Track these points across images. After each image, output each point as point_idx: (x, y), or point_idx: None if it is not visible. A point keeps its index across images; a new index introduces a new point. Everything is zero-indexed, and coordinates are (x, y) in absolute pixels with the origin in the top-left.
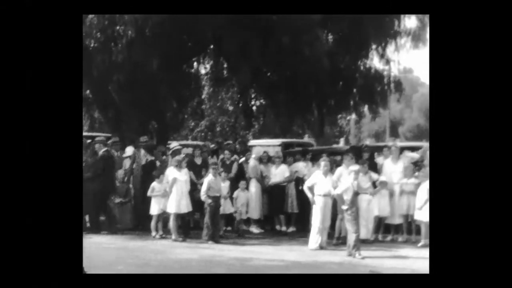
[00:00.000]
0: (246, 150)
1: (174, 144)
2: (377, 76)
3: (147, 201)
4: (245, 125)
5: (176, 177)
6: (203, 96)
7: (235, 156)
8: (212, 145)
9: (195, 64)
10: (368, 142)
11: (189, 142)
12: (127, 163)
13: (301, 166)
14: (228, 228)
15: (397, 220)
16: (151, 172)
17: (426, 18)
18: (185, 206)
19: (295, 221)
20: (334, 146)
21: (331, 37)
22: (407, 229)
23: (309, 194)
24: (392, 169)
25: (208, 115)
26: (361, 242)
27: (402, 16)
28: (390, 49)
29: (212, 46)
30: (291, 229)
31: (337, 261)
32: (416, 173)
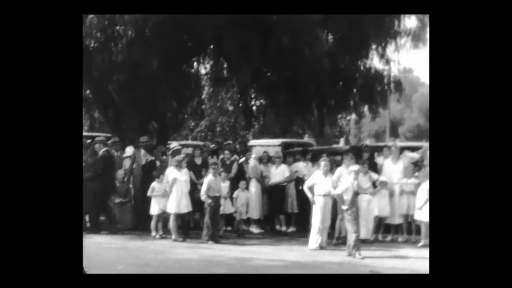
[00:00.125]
0: (246, 150)
1: (174, 144)
2: (377, 76)
3: (147, 201)
4: (245, 125)
5: (176, 177)
6: (203, 96)
7: (235, 156)
8: (212, 145)
9: (195, 64)
10: (368, 142)
11: (189, 142)
12: (127, 163)
13: (301, 166)
14: (228, 228)
15: (397, 220)
16: (151, 172)
17: (426, 18)
18: (185, 206)
19: (295, 221)
20: (334, 146)
21: (331, 37)
22: (407, 229)
23: (309, 194)
24: (392, 169)
25: (208, 115)
26: (361, 242)
27: (402, 16)
28: (390, 49)
29: (212, 46)
30: (291, 229)
31: (337, 261)
32: (416, 173)
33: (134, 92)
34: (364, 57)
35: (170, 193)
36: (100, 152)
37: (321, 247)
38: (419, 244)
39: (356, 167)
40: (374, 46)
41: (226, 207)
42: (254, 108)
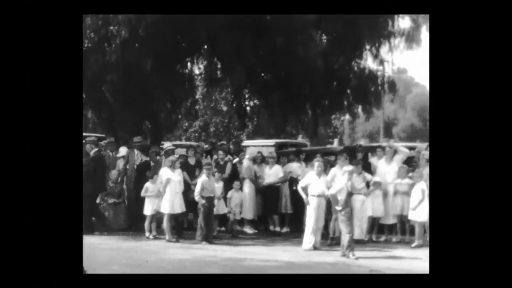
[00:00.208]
0: (240, 151)
1: (167, 145)
2: (371, 76)
3: (140, 202)
4: (239, 125)
5: (169, 177)
6: (197, 97)
7: (229, 157)
8: (206, 146)
9: (189, 64)
10: (362, 142)
11: (183, 142)
12: (120, 164)
13: (295, 167)
14: (222, 229)
15: (391, 221)
16: (145, 173)
17: (420, 18)
18: (179, 207)
19: (289, 221)
20: (328, 146)
21: (325, 38)
22: (401, 229)
23: (303, 195)
24: (386, 169)
25: (202, 116)
26: (355, 243)
27: (396, 16)
28: (384, 50)
29: (206, 46)
30: (285, 229)
31: (331, 261)
32: (410, 174)
33: (128, 92)
34: (358, 58)
35: (164, 194)
36: (91, 153)
37: (315, 248)
38: (413, 245)
39: (350, 167)
40: (368, 47)
41: (220, 208)
42: (248, 108)
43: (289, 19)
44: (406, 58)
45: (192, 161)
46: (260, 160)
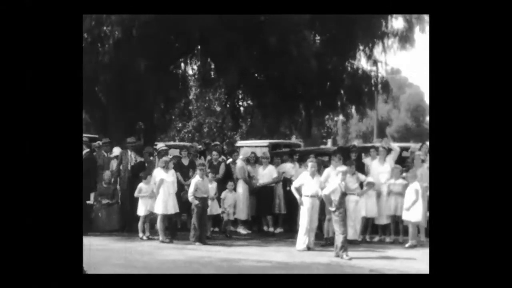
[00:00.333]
0: (233, 151)
1: (160, 145)
2: (364, 77)
3: (134, 202)
4: (232, 126)
5: (163, 178)
6: (190, 97)
7: (223, 157)
8: (200, 146)
9: (182, 65)
10: (356, 143)
11: (177, 143)
12: (114, 164)
13: (288, 167)
14: (216, 229)
15: (385, 221)
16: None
17: (413, 19)
18: (172, 207)
19: (283, 222)
20: (322, 147)
21: (319, 38)
22: (394, 229)
23: (296, 195)
24: (380, 169)
25: (196, 116)
26: (349, 243)
27: (389, 17)
28: (377, 50)
29: (199, 47)
30: (279, 230)
31: (324, 262)
32: (404, 174)
33: (121, 93)
34: (351, 58)
35: (157, 194)
36: (83, 154)
37: (308, 248)
38: (407, 245)
39: (343, 168)
40: (361, 47)
41: (213, 208)
42: (241, 109)
43: (283, 19)
44: (399, 58)
45: (185, 161)
46: (253, 160)
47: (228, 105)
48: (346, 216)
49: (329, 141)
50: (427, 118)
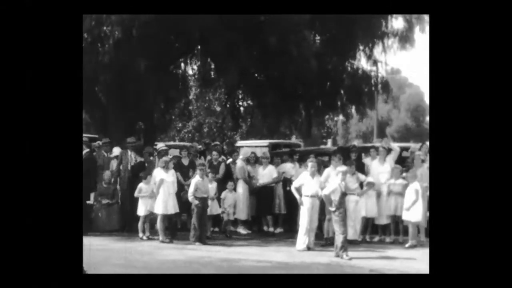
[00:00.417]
0: (233, 151)
1: (160, 145)
2: (364, 77)
3: (134, 202)
4: (232, 126)
5: (163, 178)
6: (190, 97)
7: (223, 157)
8: (200, 146)
9: (182, 65)
10: (356, 143)
11: (177, 143)
12: (114, 164)
13: (288, 167)
14: (216, 229)
15: (385, 221)
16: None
17: (414, 19)
18: (172, 207)
19: (283, 222)
20: (322, 147)
21: (319, 38)
22: (394, 230)
23: (296, 195)
24: (379, 169)
25: (196, 116)
26: (349, 243)
27: (389, 17)
28: (377, 50)
29: (199, 47)
30: (279, 230)
31: (324, 262)
32: (404, 174)
33: (121, 93)
34: (351, 58)
35: (157, 194)
36: (83, 154)
37: (308, 248)
38: (407, 245)
39: (343, 168)
40: (361, 47)
41: (213, 208)
42: (241, 109)
43: (283, 19)
44: (399, 58)
45: (185, 161)
46: (253, 160)
47: (228, 105)
48: (346, 216)
49: (329, 141)
50: (427, 118)
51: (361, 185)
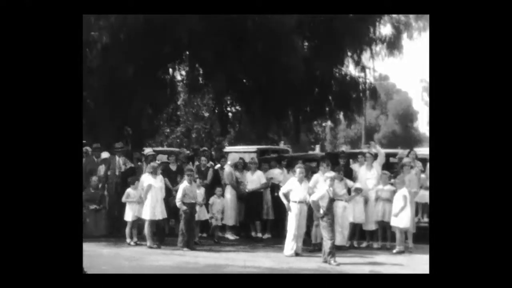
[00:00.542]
0: (221, 157)
1: (148, 150)
2: (352, 83)
3: (122, 208)
4: (220, 131)
5: (151, 183)
6: (178, 103)
7: (211, 163)
8: (188, 152)
9: (170, 70)
10: (345, 148)
11: (165, 148)
12: (101, 170)
13: (276, 173)
14: (204, 235)
15: (373, 227)
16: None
17: (401, 25)
18: (160, 213)
19: (271, 227)
20: (310, 152)
21: (307, 44)
22: (382, 235)
23: (284, 201)
24: (367, 175)
25: (184, 122)
26: (337, 249)
27: (377, 23)
28: (365, 56)
29: (187, 52)
30: (267, 235)
31: (312, 267)
32: (392, 180)
33: (109, 98)
34: (339, 64)
35: (145, 200)
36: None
37: (296, 254)
38: (394, 251)
39: (331, 173)
40: (349, 53)
41: (201, 214)
42: (229, 114)
43: (271, 25)
44: (387, 65)
45: (173, 167)
46: (242, 166)
47: (216, 111)
48: (334, 222)
49: (317, 147)
50: (415, 124)
51: (349, 191)
